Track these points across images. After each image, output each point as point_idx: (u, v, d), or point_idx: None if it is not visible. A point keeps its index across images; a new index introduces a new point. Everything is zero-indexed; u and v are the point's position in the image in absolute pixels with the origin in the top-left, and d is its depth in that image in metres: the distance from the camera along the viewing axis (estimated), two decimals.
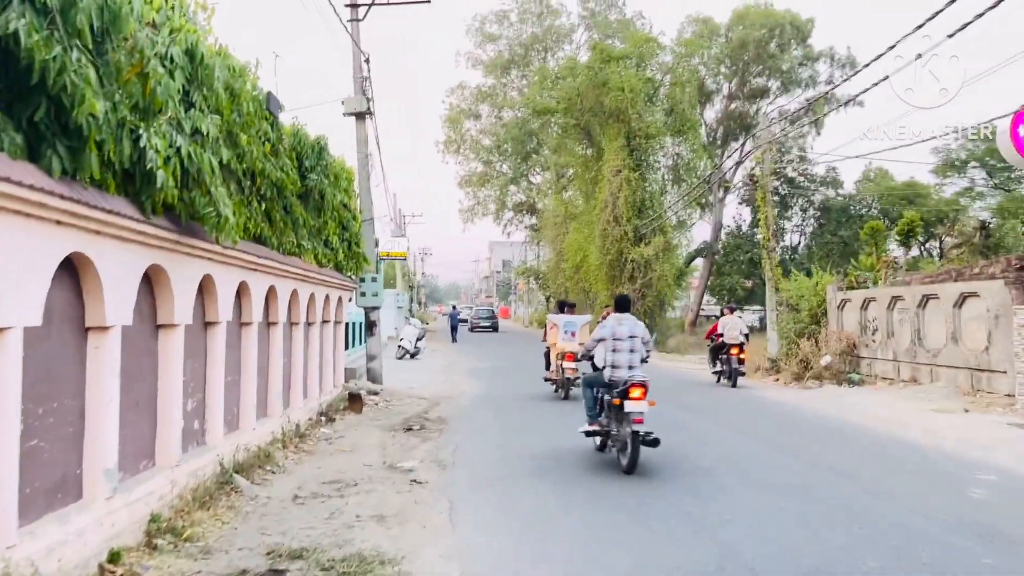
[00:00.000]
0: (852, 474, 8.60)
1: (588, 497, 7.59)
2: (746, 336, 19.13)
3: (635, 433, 8.52)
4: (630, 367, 9.00)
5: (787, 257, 57.70)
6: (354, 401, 13.71)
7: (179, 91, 6.23)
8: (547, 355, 16.20)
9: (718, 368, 19.44)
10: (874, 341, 18.60)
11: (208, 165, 6.35)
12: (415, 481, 8.38)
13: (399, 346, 25.30)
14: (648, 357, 9.29)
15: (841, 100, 42.00)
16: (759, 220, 51.62)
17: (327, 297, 13.53)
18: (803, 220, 58.04)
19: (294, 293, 11.18)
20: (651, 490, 7.83)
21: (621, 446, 8.93)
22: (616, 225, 36.65)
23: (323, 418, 12.35)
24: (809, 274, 23.57)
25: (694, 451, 10.06)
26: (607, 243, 36.93)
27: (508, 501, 7.56)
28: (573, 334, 15.08)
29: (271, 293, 10.06)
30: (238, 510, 7.03)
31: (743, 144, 54.45)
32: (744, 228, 58.07)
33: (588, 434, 9.57)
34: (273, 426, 9.99)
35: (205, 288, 7.74)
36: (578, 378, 13.37)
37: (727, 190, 53.60)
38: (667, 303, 40.74)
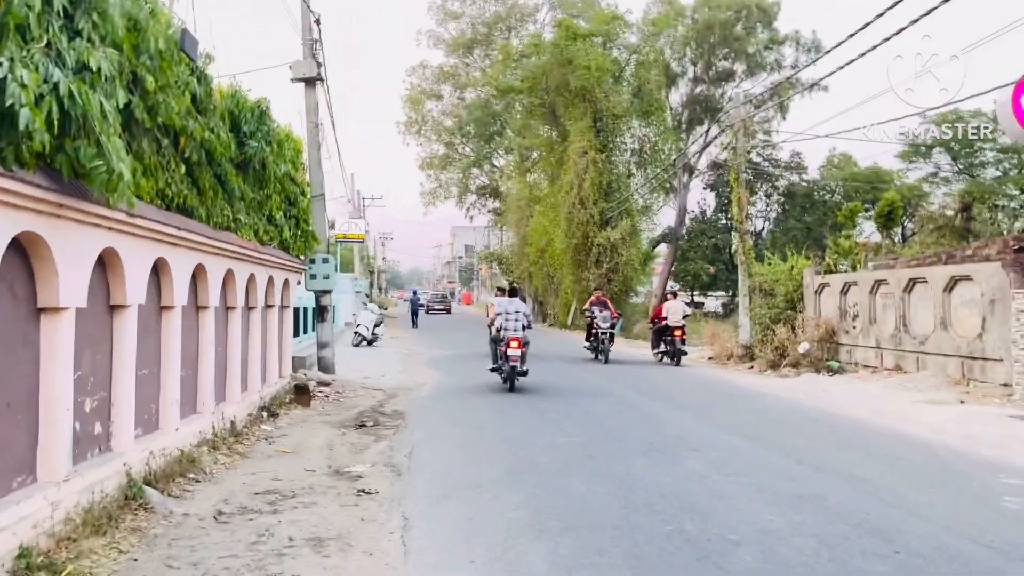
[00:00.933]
0: (864, 479, 7.57)
1: (566, 515, 6.45)
2: (685, 318, 21.06)
3: (512, 367, 14.14)
4: (515, 330, 14.24)
5: (752, 243, 57.41)
6: (301, 394, 12.44)
7: (60, 13, 4.95)
8: (490, 327, 19.23)
9: (662, 349, 21.12)
10: (855, 327, 17.75)
11: (98, 109, 5.06)
12: (364, 492, 7.17)
13: (355, 333, 23.92)
14: (530, 325, 14.69)
15: (806, 84, 41.49)
16: (729, 203, 51.04)
17: (271, 279, 12.22)
18: (767, 206, 57.77)
19: (229, 273, 9.87)
20: (642, 504, 6.72)
21: (505, 376, 14.41)
22: (582, 208, 35.54)
23: (265, 413, 11.07)
24: (784, 259, 22.68)
25: (684, 453, 8.99)
26: (572, 226, 35.83)
27: (472, 517, 6.38)
28: None
29: (199, 272, 8.76)
30: (144, 533, 5.77)
31: (708, 128, 53.83)
32: (709, 213, 57.63)
33: (491, 370, 15.04)
34: (203, 425, 8.71)
35: (109, 264, 6.45)
36: None
37: (692, 174, 52.91)
38: (632, 288, 39.77)
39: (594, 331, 21.24)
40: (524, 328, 14.35)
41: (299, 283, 14.81)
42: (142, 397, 7.19)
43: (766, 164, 54.71)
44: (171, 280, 7.74)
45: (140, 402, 7.11)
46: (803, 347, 18.44)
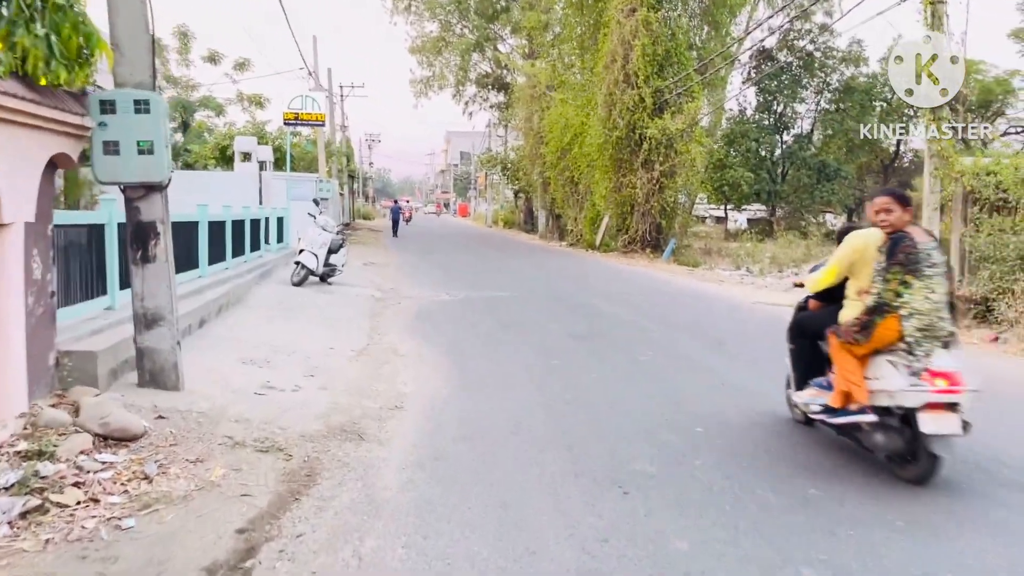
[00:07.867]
0: None
1: None
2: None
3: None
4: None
5: (798, 148, 48.23)
6: None
7: None
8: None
9: None
10: None
11: None
12: None
13: (296, 263, 14.61)
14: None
15: None
16: (774, 99, 41.06)
17: None
18: (817, 104, 48.90)
19: None
20: None
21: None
22: (628, 88, 25.99)
23: None
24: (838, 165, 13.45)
25: None
26: (614, 114, 26.33)
27: None
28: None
29: None
30: None
31: (752, 10, 44.39)
32: (749, 112, 48.97)
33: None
34: None
35: None
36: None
37: (731, 66, 43.68)
38: (692, 200, 30.46)
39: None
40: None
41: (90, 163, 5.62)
42: None
43: (819, 54, 45.95)
44: None
45: None
46: None
